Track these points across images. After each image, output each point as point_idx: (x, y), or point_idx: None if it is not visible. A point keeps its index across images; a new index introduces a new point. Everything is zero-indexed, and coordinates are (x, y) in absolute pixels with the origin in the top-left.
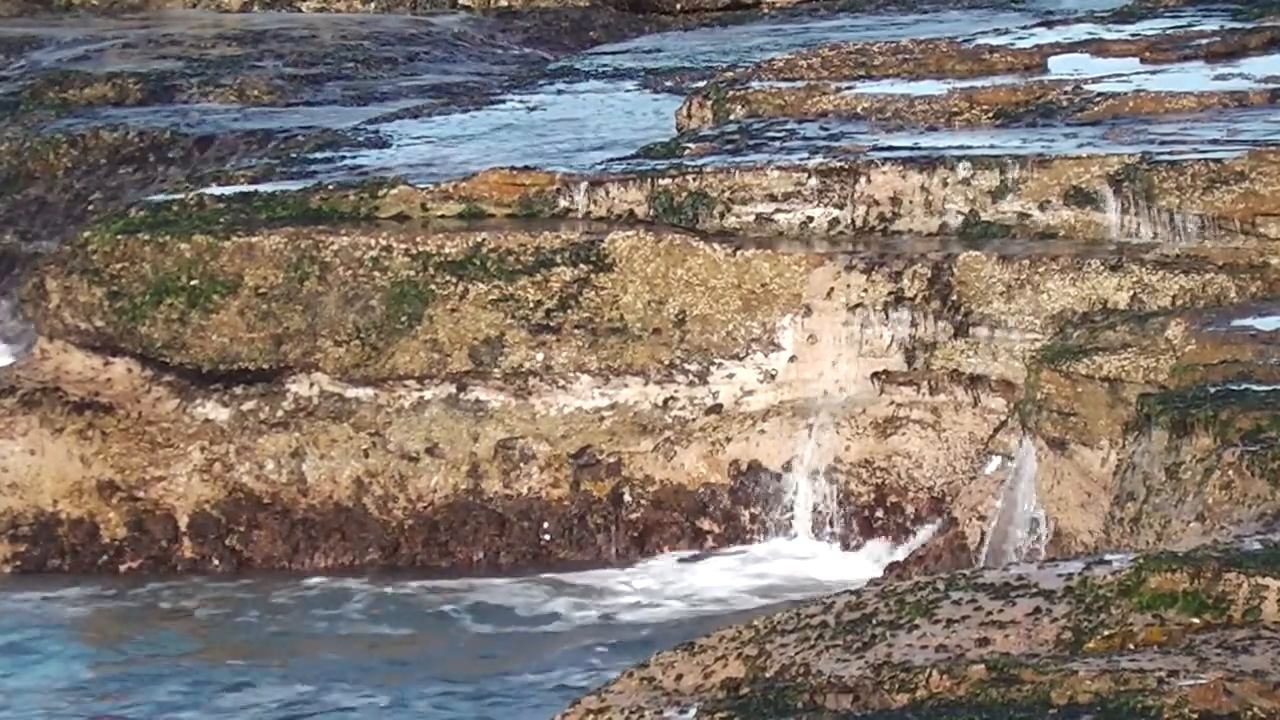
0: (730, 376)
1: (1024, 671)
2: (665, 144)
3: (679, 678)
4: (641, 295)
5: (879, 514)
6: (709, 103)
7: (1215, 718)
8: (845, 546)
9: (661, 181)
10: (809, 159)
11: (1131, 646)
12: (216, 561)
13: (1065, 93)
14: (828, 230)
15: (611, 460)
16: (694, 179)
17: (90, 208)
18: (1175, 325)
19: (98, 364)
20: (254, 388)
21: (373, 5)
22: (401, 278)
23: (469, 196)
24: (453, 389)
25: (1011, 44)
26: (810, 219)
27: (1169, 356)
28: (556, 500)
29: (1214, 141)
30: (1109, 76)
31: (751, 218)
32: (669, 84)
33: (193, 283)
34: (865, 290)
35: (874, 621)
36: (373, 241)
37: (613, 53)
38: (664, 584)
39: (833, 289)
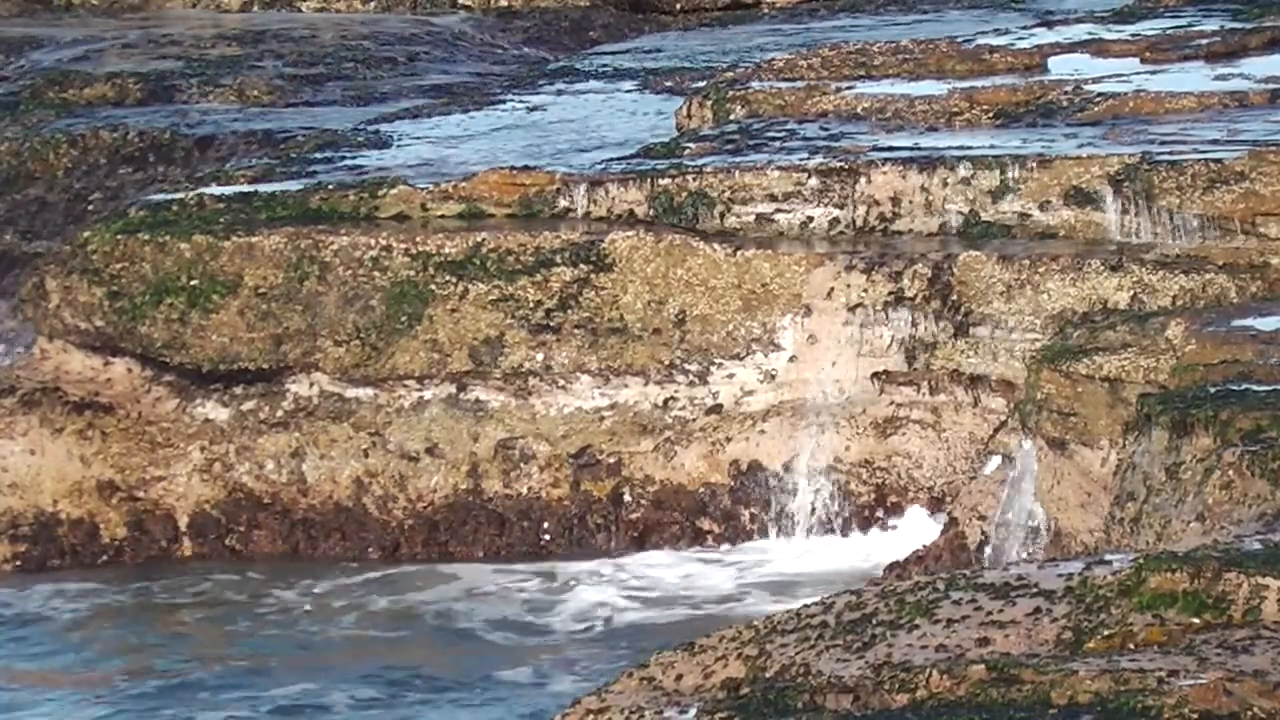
0: (730, 376)
1: (1024, 671)
2: (665, 144)
3: (679, 678)
4: (641, 295)
5: (879, 514)
6: (709, 103)
7: (1215, 718)
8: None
9: (661, 181)
10: (809, 159)
11: (1131, 646)
12: (216, 561)
13: (1065, 93)
14: (828, 230)
15: (611, 460)
16: (694, 179)
17: (90, 208)
18: (1175, 325)
19: (98, 364)
20: (254, 388)
21: (373, 5)
22: (401, 278)
23: (469, 196)
24: (453, 389)
25: (1012, 44)
26: (810, 219)
27: (1169, 356)
28: (556, 500)
29: (1214, 141)
30: (1109, 76)
31: (751, 218)
32: (669, 84)
33: (193, 283)
34: (865, 290)
35: (874, 621)
36: (373, 241)
37: (613, 53)
38: (664, 584)
39: (833, 289)
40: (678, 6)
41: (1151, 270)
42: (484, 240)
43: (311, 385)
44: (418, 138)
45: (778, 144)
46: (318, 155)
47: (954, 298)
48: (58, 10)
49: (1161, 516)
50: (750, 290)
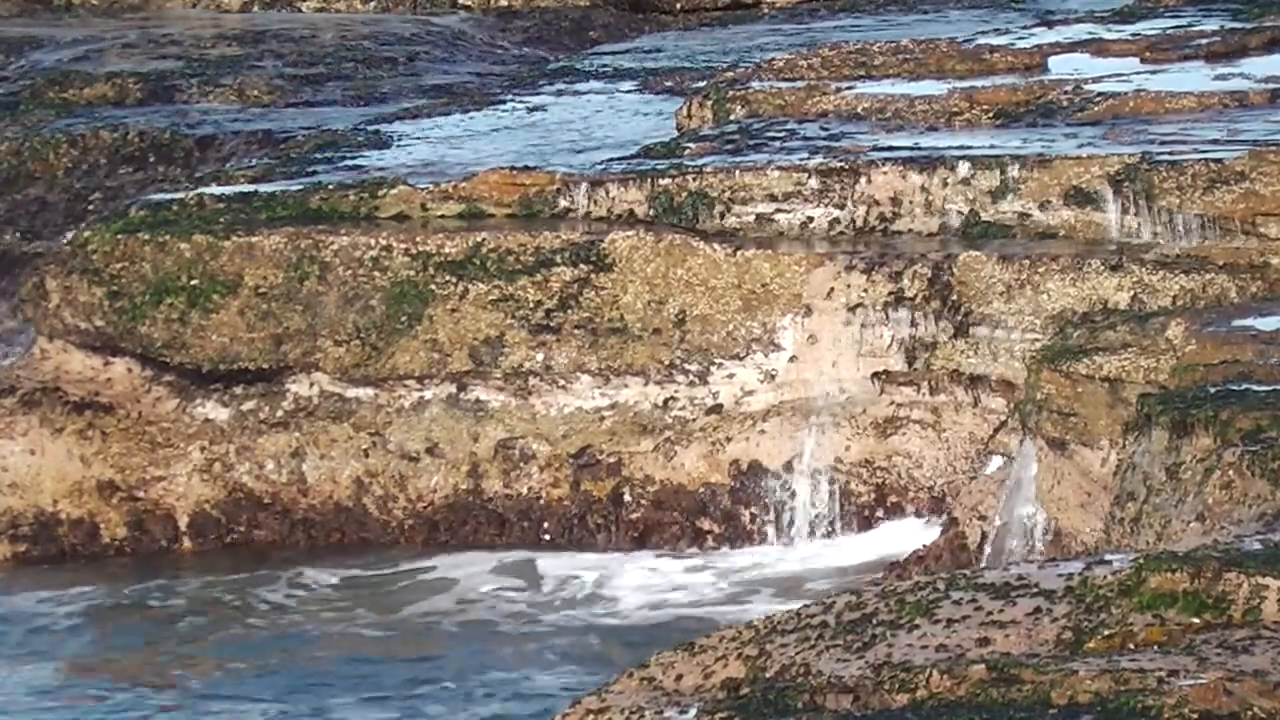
0: (730, 376)
1: (1024, 671)
2: (665, 144)
3: (679, 678)
4: (641, 295)
5: (879, 514)
6: (709, 103)
7: (1215, 718)
8: (844, 546)
9: (661, 181)
10: (809, 159)
11: (1132, 646)
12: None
13: (1065, 93)
14: (828, 230)
15: (611, 460)
16: (694, 179)
17: (90, 208)
18: (1175, 325)
19: (98, 364)
20: (254, 388)
21: (373, 5)
22: (401, 278)
23: (469, 196)
24: (453, 389)
25: (1012, 44)
26: (810, 219)
27: (1169, 356)
28: (556, 500)
29: (1214, 141)
30: (1109, 76)
31: (752, 218)
32: (669, 84)
33: (193, 282)
34: (865, 290)
35: (874, 621)
36: (373, 241)
37: (613, 53)
38: (663, 584)
39: (833, 289)
40: (678, 6)
41: (1151, 270)
42: (484, 240)
43: (311, 385)
44: (418, 138)
45: (778, 144)
46: (318, 155)
47: (954, 298)
48: (58, 10)
49: (1161, 516)
50: (750, 290)
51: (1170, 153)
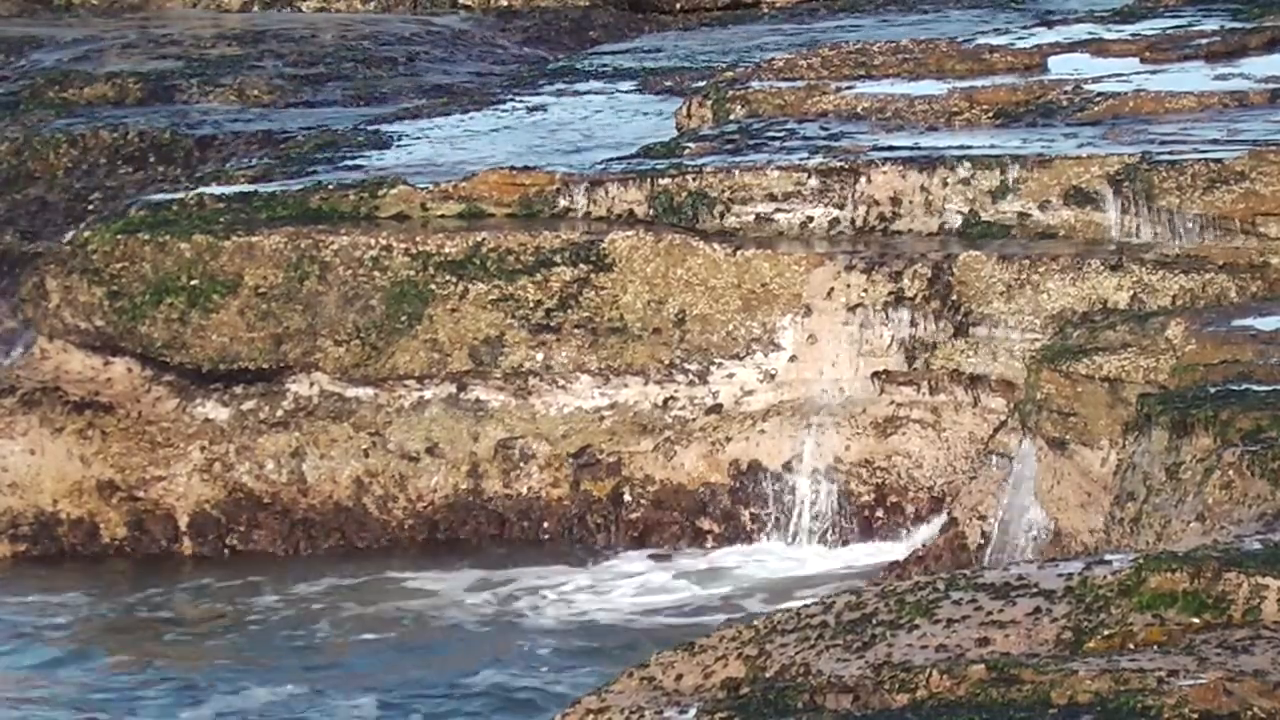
0: (730, 376)
1: (1024, 671)
2: (665, 144)
3: (679, 678)
4: (641, 295)
5: (879, 514)
6: (709, 102)
7: (1215, 718)
8: (844, 546)
9: (661, 181)
10: (809, 159)
11: (1131, 646)
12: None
13: (1065, 92)
14: (828, 230)
15: (611, 460)
16: (694, 179)
17: (90, 208)
18: (1175, 325)
19: (98, 364)
20: (254, 387)
21: (373, 5)
22: (401, 277)
23: (469, 196)
24: (453, 389)
25: (1011, 44)
26: (810, 219)
27: (1169, 356)
28: (556, 500)
29: (1214, 141)
30: (1109, 76)
31: (751, 218)
32: (669, 84)
33: (193, 282)
34: (865, 290)
35: (874, 621)
36: (373, 241)
37: (613, 53)
38: (664, 585)
39: (833, 289)
40: (678, 6)
41: (1151, 270)
42: (484, 240)
43: (311, 385)
44: (418, 138)
45: (778, 144)
46: (318, 155)
47: (954, 297)
48: (58, 10)
49: (1161, 516)
50: (750, 290)
51: (1170, 153)
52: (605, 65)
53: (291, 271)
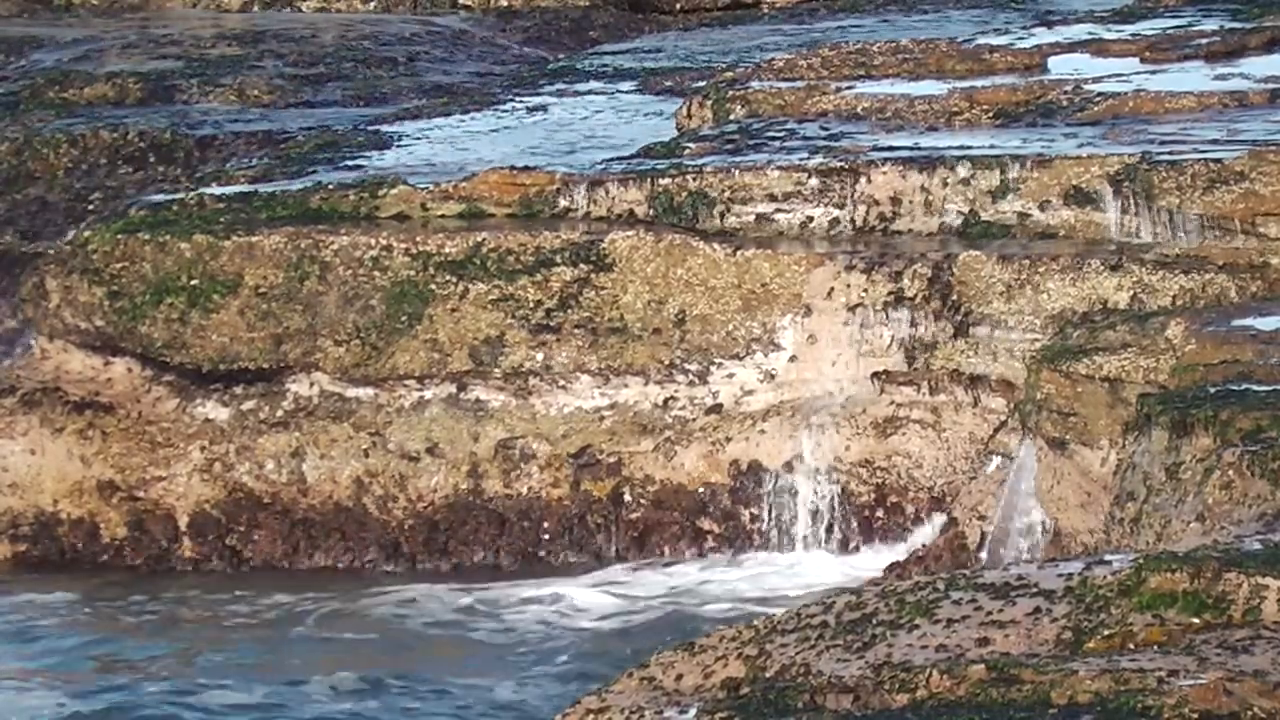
0: (730, 376)
1: (1024, 671)
2: (665, 144)
3: (679, 678)
4: (641, 295)
5: (879, 514)
6: (709, 102)
7: (1215, 718)
8: (844, 547)
9: (661, 181)
10: (809, 159)
11: (1131, 646)
12: (216, 561)
13: (1065, 93)
14: (828, 230)
15: (612, 460)
16: (694, 179)
17: (90, 208)
18: (1175, 325)
19: (98, 364)
20: (254, 387)
21: (373, 5)
22: (402, 277)
23: (469, 196)
24: (453, 389)
25: (1011, 44)
26: (810, 219)
27: (1169, 356)
28: (557, 500)
29: (1214, 141)
30: (1109, 76)
31: (751, 218)
32: (669, 84)
33: (193, 282)
34: (865, 290)
35: (874, 621)
36: (373, 241)
37: (613, 53)
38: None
39: (833, 289)
40: (678, 6)
41: (1151, 270)
42: (484, 240)
43: (312, 385)
44: (418, 138)
45: (778, 144)
46: (318, 155)
47: (954, 297)
48: (58, 10)
49: (1161, 516)
50: (750, 290)
51: (1170, 153)
52: (605, 65)
53: (292, 271)
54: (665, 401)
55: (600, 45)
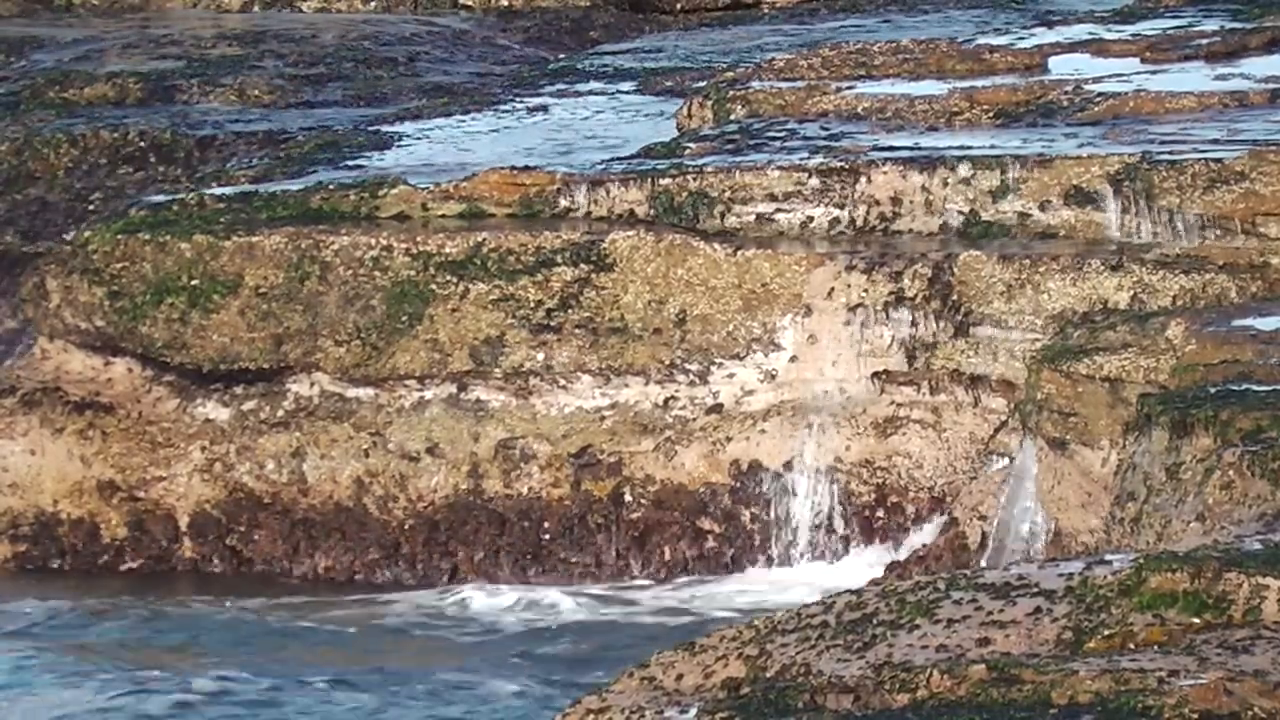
0: (731, 376)
1: (1024, 671)
2: (666, 144)
3: (679, 677)
4: (642, 295)
5: (879, 514)
6: (709, 103)
7: (1216, 717)
8: (844, 547)
9: (662, 181)
10: (809, 159)
11: (1132, 646)
12: (216, 561)
13: (1066, 93)
14: (828, 230)
15: (612, 460)
16: (694, 179)
17: (91, 208)
18: (1175, 325)
19: (98, 364)
20: (254, 388)
21: (373, 5)
22: (402, 277)
23: (469, 196)
24: (453, 389)
25: (1012, 44)
26: (811, 219)
27: (1169, 356)
28: (557, 500)
29: (1214, 141)
30: (1109, 76)
31: (752, 217)
32: (669, 84)
33: (193, 282)
34: (866, 290)
35: (874, 621)
36: (373, 241)
37: (613, 53)
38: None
39: (833, 289)
40: (678, 6)
41: (1152, 270)
42: (485, 240)
43: (312, 385)
44: (418, 138)
45: (778, 144)
46: (318, 155)
47: (954, 297)
48: (58, 10)
49: (1162, 516)
50: (750, 290)
51: (1170, 153)
52: (606, 65)
53: (292, 272)
54: (666, 401)
55: (600, 45)
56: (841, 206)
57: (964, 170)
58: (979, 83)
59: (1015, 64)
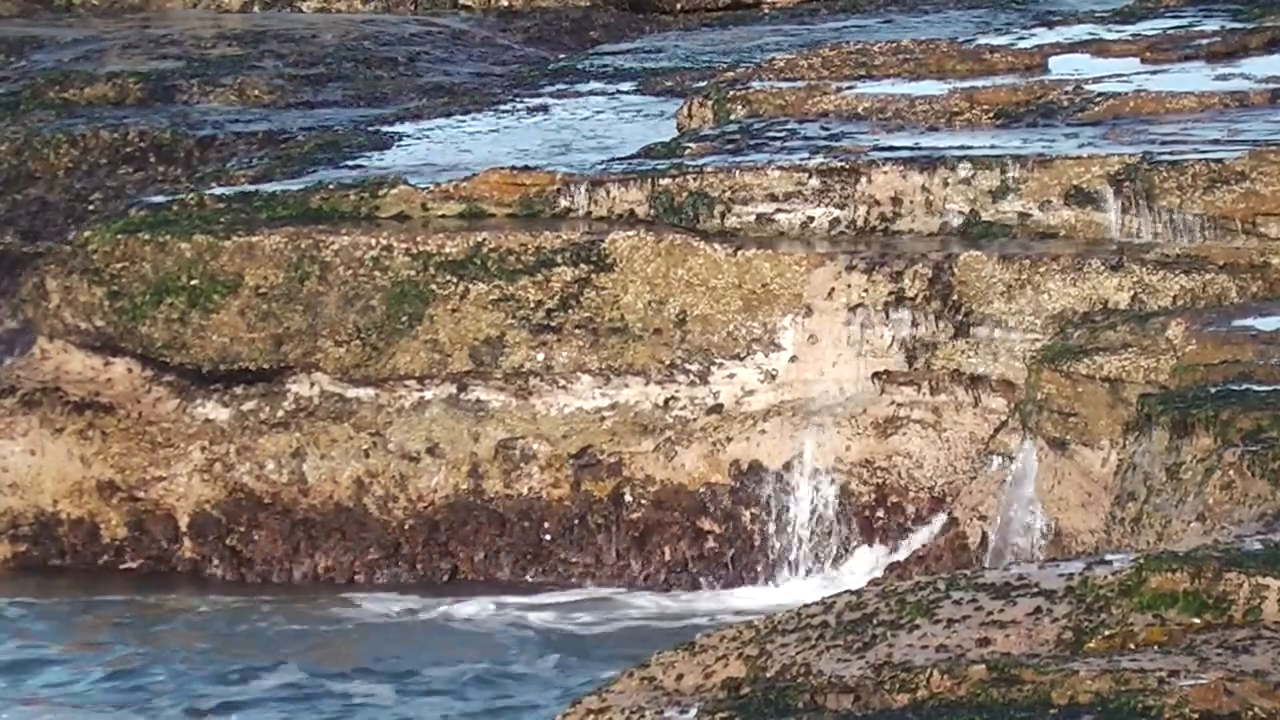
0: (731, 376)
1: (1024, 671)
2: (666, 144)
3: (680, 677)
4: (642, 295)
5: (879, 514)
6: (710, 103)
7: (1216, 718)
8: (845, 547)
9: (662, 181)
10: (810, 159)
11: (1132, 646)
12: (216, 561)
13: (1066, 93)
14: (828, 230)
15: (612, 460)
16: (694, 179)
17: (91, 208)
18: (1176, 325)
19: (98, 364)
20: (254, 388)
21: (373, 5)
22: (402, 277)
23: (469, 196)
24: (453, 389)
25: (1012, 44)
26: (811, 219)
27: (1169, 356)
28: (557, 500)
29: (1215, 141)
30: (1109, 76)
31: (752, 218)
32: (669, 84)
33: (193, 282)
34: (866, 290)
35: (875, 621)
36: (373, 241)
37: (613, 53)
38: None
39: (833, 289)
40: (678, 6)
41: (1152, 270)
42: (485, 240)
43: (312, 385)
44: (418, 138)
45: (778, 144)
46: (318, 155)
47: (954, 298)
48: (58, 10)
49: (1162, 516)
50: (751, 290)
51: (1171, 153)
52: (606, 65)
53: (292, 272)
54: (666, 402)
55: (601, 45)
56: (842, 206)
57: (964, 170)
58: (979, 83)
59: (1015, 64)
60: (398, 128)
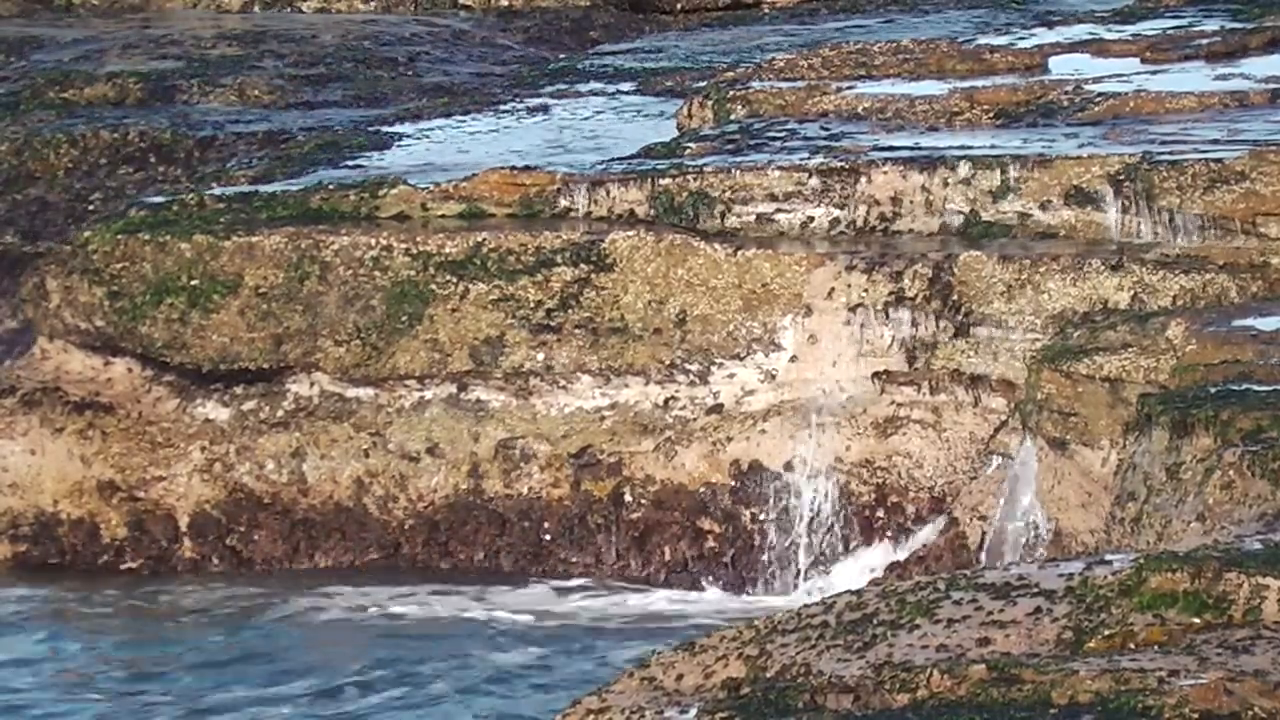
0: (731, 376)
1: (1024, 671)
2: (666, 144)
3: (679, 678)
4: (642, 295)
5: (879, 514)
6: (709, 102)
7: (1216, 718)
8: (845, 547)
9: (662, 181)
10: (810, 159)
11: (1132, 646)
12: (216, 562)
13: (1066, 93)
14: (828, 230)
15: (612, 460)
16: (695, 179)
17: (91, 208)
18: (1176, 325)
19: (98, 364)
20: (254, 388)
21: (373, 5)
22: (402, 277)
23: (469, 196)
24: (453, 389)
25: (1012, 44)
26: (811, 219)
27: (1169, 356)
28: (557, 500)
29: (1215, 141)
30: (1109, 76)
31: (752, 218)
32: (669, 84)
33: (193, 282)
34: (866, 290)
35: (875, 621)
36: (373, 241)
37: (613, 53)
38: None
39: (833, 289)
40: (678, 6)
41: (1152, 270)
42: (484, 240)
43: (312, 385)
44: (418, 138)
45: (778, 144)
46: (318, 155)
47: (954, 298)
48: (58, 10)
49: (1162, 516)
50: (751, 290)
51: (1171, 153)
52: (606, 66)
53: (292, 271)
54: (666, 401)
55: (601, 45)
56: (842, 206)
57: (964, 170)
58: (979, 83)
59: (1015, 64)
60: (398, 128)
